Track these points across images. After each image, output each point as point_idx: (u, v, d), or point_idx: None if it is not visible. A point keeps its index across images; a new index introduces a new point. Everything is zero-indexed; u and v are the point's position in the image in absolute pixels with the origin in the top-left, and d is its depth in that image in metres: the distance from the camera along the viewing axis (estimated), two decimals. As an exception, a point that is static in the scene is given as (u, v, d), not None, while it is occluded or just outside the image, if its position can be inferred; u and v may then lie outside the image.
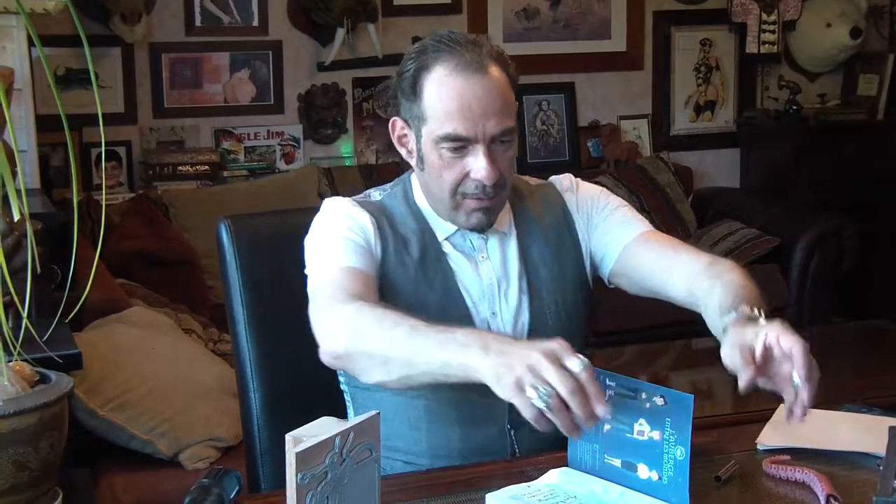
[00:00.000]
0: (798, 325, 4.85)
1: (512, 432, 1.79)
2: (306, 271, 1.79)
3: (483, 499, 1.53)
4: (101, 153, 4.34)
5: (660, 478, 1.50)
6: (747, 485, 1.62)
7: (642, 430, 1.52)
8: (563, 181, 1.95)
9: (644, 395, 1.51)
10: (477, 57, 1.73)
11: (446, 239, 1.84)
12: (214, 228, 2.00)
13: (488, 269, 1.83)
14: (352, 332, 1.58)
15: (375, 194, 1.89)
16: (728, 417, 2.29)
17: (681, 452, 1.47)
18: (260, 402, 1.96)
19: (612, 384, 1.55)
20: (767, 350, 1.50)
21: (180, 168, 4.49)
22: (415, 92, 1.76)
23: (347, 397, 1.89)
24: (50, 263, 2.48)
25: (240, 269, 1.96)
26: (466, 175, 1.75)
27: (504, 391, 1.41)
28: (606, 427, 1.56)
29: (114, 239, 3.88)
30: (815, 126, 5.20)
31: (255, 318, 1.97)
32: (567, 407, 1.39)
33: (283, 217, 2.20)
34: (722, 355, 1.53)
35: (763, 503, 1.42)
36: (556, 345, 1.43)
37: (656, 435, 1.50)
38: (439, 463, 1.77)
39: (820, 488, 1.50)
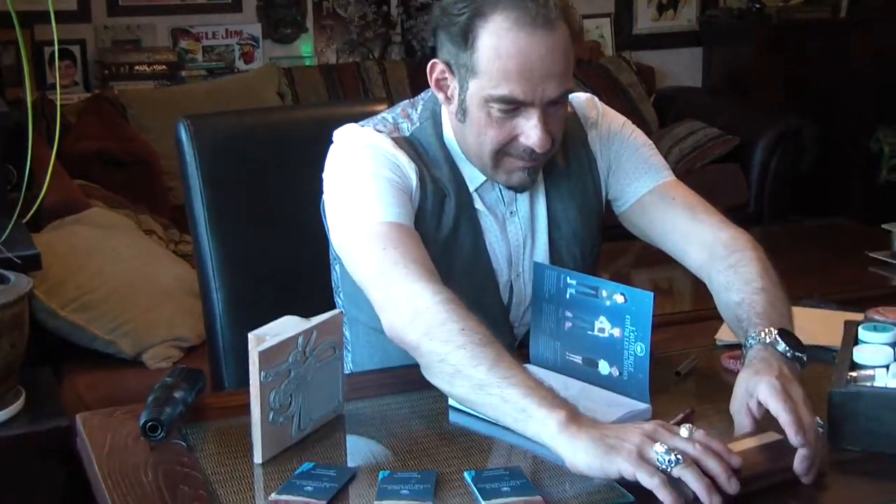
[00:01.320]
0: (758, 222, 4.89)
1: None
2: (333, 214, 1.65)
3: (445, 395, 1.54)
4: (54, 52, 4.26)
5: (620, 374, 1.52)
6: (706, 379, 1.65)
7: (603, 327, 1.53)
8: (589, 111, 1.80)
9: (605, 293, 1.52)
10: (543, 9, 1.55)
11: (476, 190, 1.70)
12: (173, 129, 1.96)
13: (515, 228, 1.74)
14: (431, 328, 1.42)
15: (403, 124, 1.70)
16: (688, 314, 2.32)
17: (641, 349, 1.49)
18: (222, 301, 1.96)
19: (573, 283, 1.56)
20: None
21: (137, 68, 4.42)
22: (466, 40, 1.57)
23: (344, 318, 1.83)
24: (5, 164, 2.44)
25: (199, 170, 1.94)
26: (515, 137, 1.60)
27: (618, 465, 1.24)
28: (567, 325, 1.57)
29: (70, 139, 3.83)
30: (777, 24, 5.19)
31: (216, 218, 1.95)
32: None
33: (243, 117, 2.17)
34: (742, 382, 1.40)
35: (721, 396, 1.44)
36: (655, 423, 1.29)
37: (617, 332, 1.52)
38: None
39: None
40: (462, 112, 1.63)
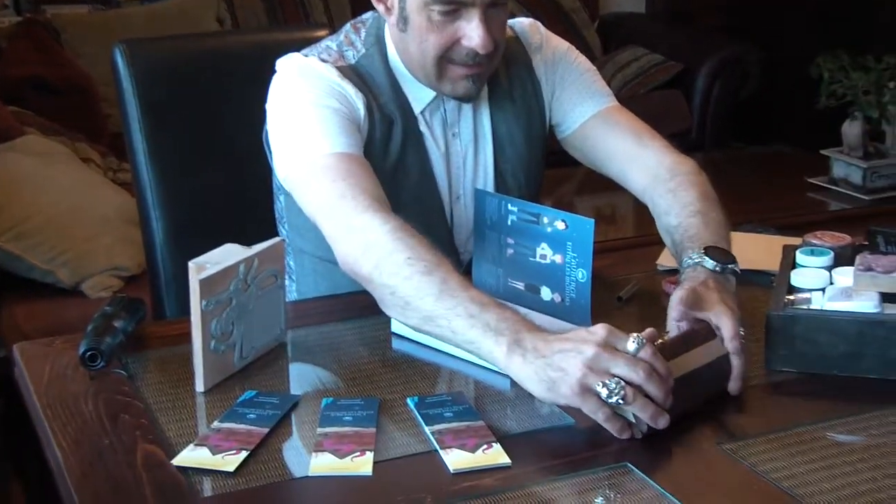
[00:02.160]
0: (700, 149, 4.92)
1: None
2: (279, 146, 1.63)
3: (389, 322, 1.54)
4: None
5: (562, 299, 1.53)
6: (647, 304, 1.67)
7: (545, 253, 1.54)
8: (532, 36, 1.79)
9: (546, 220, 1.52)
10: None
11: (422, 112, 1.70)
12: (109, 54, 1.93)
13: (456, 149, 1.73)
14: (380, 261, 1.42)
15: (348, 52, 1.68)
16: (630, 240, 2.33)
17: (582, 275, 1.50)
18: (162, 230, 1.94)
19: (514, 209, 1.56)
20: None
21: (71, -10, 4.31)
22: None
23: (287, 249, 1.81)
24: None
25: (137, 97, 1.91)
26: (457, 41, 1.59)
27: (563, 398, 1.25)
28: (509, 251, 1.58)
29: (1, 65, 3.74)
30: (721, -53, 5.18)
31: (155, 146, 1.92)
32: (643, 394, 1.24)
33: (181, 42, 2.14)
34: (671, 301, 1.43)
35: (661, 320, 1.46)
36: (603, 330, 1.27)
37: (558, 258, 1.52)
38: None
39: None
40: (403, 21, 1.61)
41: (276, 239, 1.49)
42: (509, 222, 1.57)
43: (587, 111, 1.77)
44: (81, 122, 3.68)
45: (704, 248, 1.49)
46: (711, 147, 4.65)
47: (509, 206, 1.57)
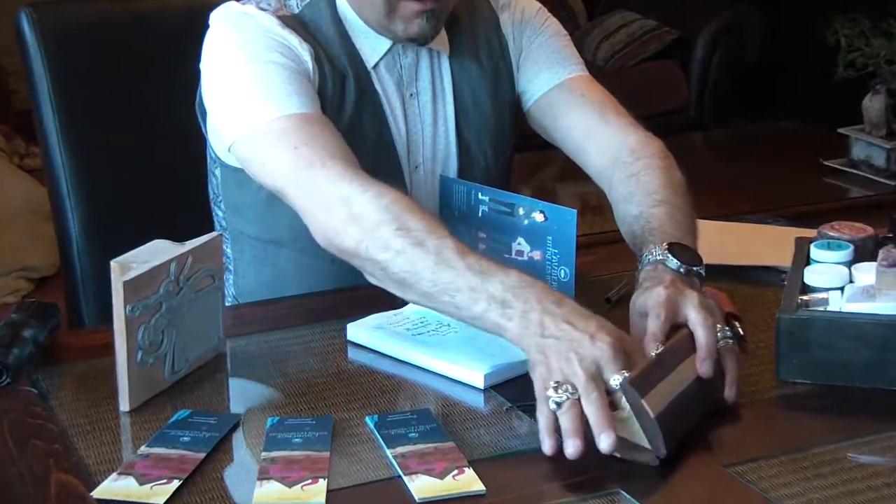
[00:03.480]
0: (698, 127, 4.94)
1: None
2: (219, 112, 1.64)
3: (344, 329, 1.54)
4: None
5: (543, 301, 1.53)
6: (640, 306, 1.67)
7: (521, 249, 1.55)
8: None
9: (522, 211, 1.53)
10: None
11: (375, 67, 1.72)
12: (13, 19, 1.91)
13: (416, 111, 1.76)
14: (366, 234, 1.44)
15: (291, 1, 1.70)
16: (618, 234, 2.34)
17: (564, 273, 1.51)
18: (79, 224, 1.93)
19: (485, 198, 1.57)
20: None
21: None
22: None
23: (225, 233, 1.81)
24: None
25: (47, 68, 1.90)
26: None
27: (532, 375, 1.30)
28: (481, 247, 1.58)
29: None
30: None
31: (69, 125, 1.92)
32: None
33: (99, 4, 2.12)
34: (632, 306, 1.43)
35: (657, 326, 1.47)
36: (610, 351, 1.27)
37: (537, 255, 1.53)
38: None
39: (718, 305, 1.55)
40: None
41: (213, 234, 1.49)
42: (480, 213, 1.58)
43: (551, 79, 1.81)
44: (-18, 98, 3.66)
45: (668, 245, 1.48)
46: (711, 125, 4.69)
47: (479, 195, 1.57)
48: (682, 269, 1.46)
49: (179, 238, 1.46)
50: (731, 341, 1.38)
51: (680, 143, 4.12)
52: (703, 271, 1.49)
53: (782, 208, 2.10)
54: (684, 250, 1.49)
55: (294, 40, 1.64)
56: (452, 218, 1.60)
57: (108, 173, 1.95)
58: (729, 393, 1.37)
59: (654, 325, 1.36)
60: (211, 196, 1.84)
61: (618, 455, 1.24)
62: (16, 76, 3.70)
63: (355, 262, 1.47)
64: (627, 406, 1.25)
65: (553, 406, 1.24)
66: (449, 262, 1.37)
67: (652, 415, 1.23)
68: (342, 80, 1.68)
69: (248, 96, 1.60)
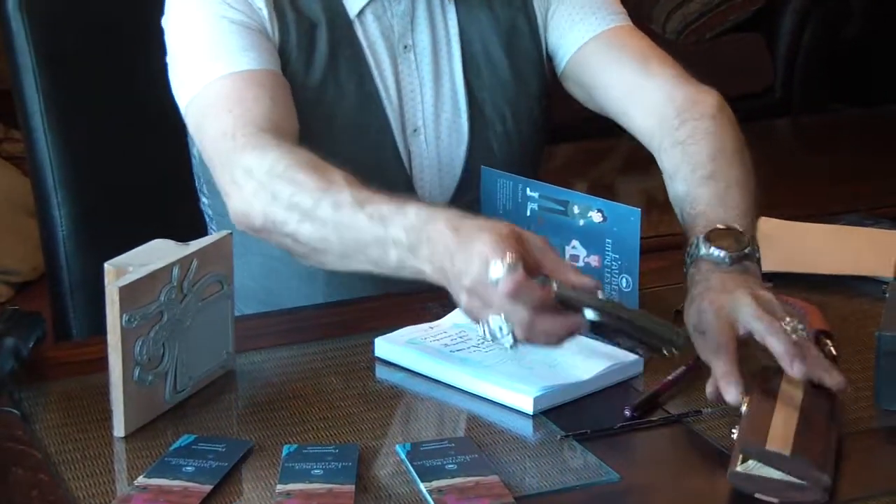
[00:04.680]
0: (786, 112, 4.91)
1: None
2: (173, 75, 1.72)
3: (371, 344, 1.55)
4: None
5: (603, 313, 1.53)
6: (716, 320, 1.68)
7: (577, 254, 1.55)
8: None
9: (577, 209, 1.53)
10: None
11: (359, 15, 1.77)
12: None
13: (411, 66, 1.80)
14: (267, 210, 1.52)
15: None
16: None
17: (627, 282, 1.51)
18: (67, 221, 1.95)
19: (534, 195, 1.57)
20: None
21: None
22: None
23: (211, 223, 1.88)
24: None
25: (32, 45, 1.92)
26: None
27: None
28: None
29: None
30: None
31: (57, 107, 1.93)
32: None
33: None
34: (686, 318, 1.45)
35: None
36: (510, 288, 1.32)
37: (595, 260, 1.53)
38: None
39: (808, 323, 1.56)
40: None
41: (221, 233, 1.50)
42: (529, 212, 1.58)
43: (587, 32, 1.82)
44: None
45: (707, 234, 1.49)
46: (801, 110, 4.66)
47: (528, 191, 1.58)
48: (727, 260, 1.46)
49: (183, 238, 1.47)
50: (802, 331, 1.38)
51: (763, 129, 4.11)
52: (756, 252, 1.49)
53: (885, 207, 2.09)
54: (726, 234, 1.49)
55: None
56: (496, 215, 1.61)
57: (100, 162, 1.96)
58: (832, 380, 1.36)
59: (722, 368, 1.36)
60: (196, 183, 1.88)
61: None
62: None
63: (273, 240, 1.54)
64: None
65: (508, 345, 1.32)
66: (350, 218, 1.44)
67: (788, 453, 1.24)
68: (310, 28, 1.73)
69: (195, 55, 1.68)
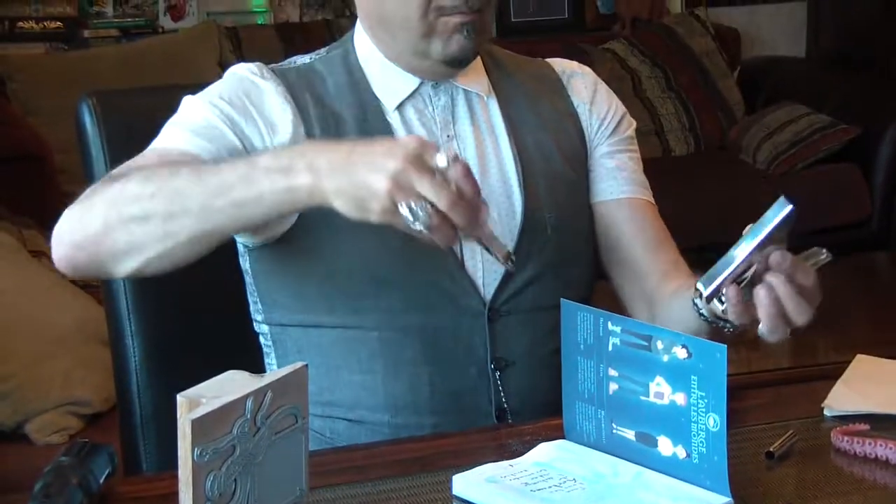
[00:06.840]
0: (883, 245, 4.87)
1: (497, 373, 1.83)
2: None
3: (449, 482, 1.55)
4: None
5: (688, 455, 1.52)
6: (810, 463, 1.65)
7: (661, 391, 1.54)
8: (570, 66, 2.02)
9: (661, 345, 1.53)
10: None
11: (400, 108, 1.86)
12: (73, 110, 1.98)
13: (457, 152, 1.84)
14: (113, 203, 1.66)
15: (303, 58, 1.92)
16: (783, 373, 2.33)
17: (714, 421, 1.50)
18: (140, 350, 1.97)
19: (616, 329, 1.57)
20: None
21: (21, 24, 4.43)
22: None
23: (266, 341, 1.88)
24: None
25: (109, 166, 1.94)
26: None
27: (373, 217, 1.51)
28: (613, 387, 1.58)
29: (-71, 125, 3.84)
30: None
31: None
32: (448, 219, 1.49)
33: (169, 94, 2.17)
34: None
35: (832, 487, 1.45)
36: (414, 142, 1.51)
37: (680, 398, 1.52)
38: (401, 419, 1.81)
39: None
40: None
41: (297, 364, 1.51)
42: (610, 347, 1.58)
43: (618, 190, 1.95)
44: (32, 200, 3.74)
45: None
46: (900, 244, 4.62)
47: (610, 325, 1.58)
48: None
49: (259, 370, 1.48)
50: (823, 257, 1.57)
51: (860, 263, 4.08)
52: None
53: None
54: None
55: (268, 87, 1.83)
56: (576, 350, 1.61)
57: (177, 290, 1.95)
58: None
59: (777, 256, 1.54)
60: (250, 304, 1.91)
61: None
62: (68, 175, 3.78)
63: (92, 268, 1.77)
64: None
65: (419, 228, 1.47)
66: (208, 170, 1.59)
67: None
68: (336, 124, 1.83)
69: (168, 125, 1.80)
